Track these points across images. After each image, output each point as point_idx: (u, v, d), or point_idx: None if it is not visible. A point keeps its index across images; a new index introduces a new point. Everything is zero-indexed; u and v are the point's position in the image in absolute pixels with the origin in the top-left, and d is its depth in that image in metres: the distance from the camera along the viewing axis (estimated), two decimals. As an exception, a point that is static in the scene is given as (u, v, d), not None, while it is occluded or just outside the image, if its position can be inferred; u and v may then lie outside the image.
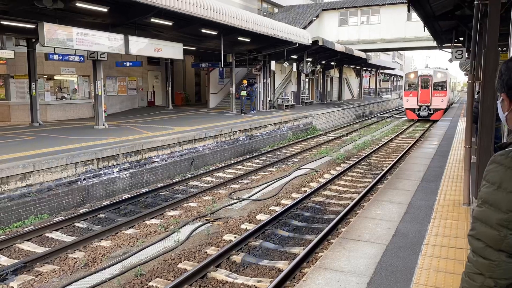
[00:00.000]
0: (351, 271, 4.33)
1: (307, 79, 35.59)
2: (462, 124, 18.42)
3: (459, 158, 10.39)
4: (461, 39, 17.65)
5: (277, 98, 30.46)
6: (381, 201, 6.84)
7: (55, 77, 21.75)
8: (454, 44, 18.10)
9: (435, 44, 22.17)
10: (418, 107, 28.73)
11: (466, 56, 17.03)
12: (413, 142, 18.79)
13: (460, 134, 15.10)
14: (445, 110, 29.18)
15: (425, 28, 15.84)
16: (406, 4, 12.12)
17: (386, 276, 4.21)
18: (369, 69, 49.41)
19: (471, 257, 1.63)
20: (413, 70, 31.48)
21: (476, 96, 8.49)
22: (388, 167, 13.58)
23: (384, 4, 37.48)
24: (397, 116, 35.34)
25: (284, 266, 6.61)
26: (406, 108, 29.66)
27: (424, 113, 28.59)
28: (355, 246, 4.97)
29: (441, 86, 28.22)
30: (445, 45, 21.50)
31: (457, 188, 7.57)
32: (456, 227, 5.60)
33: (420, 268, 4.35)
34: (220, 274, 6.37)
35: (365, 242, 5.11)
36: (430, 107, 28.46)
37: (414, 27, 33.82)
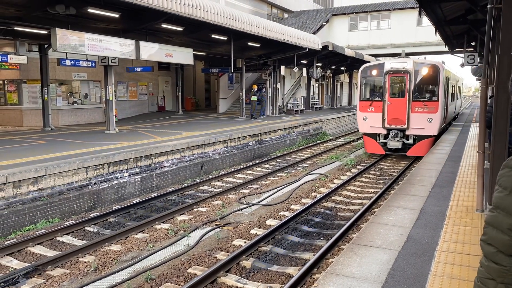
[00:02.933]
0: (363, 277, 4.27)
1: (316, 84, 35.53)
2: (474, 129, 18.22)
3: (472, 164, 10.27)
4: (473, 43, 17.53)
5: (287, 103, 30.42)
6: (392, 207, 6.77)
7: (73, 82, 21.98)
8: (466, 49, 17.96)
9: (446, 49, 22.03)
10: (385, 132, 15.55)
11: (478, 60, 16.88)
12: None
13: (472, 139, 14.95)
14: (437, 137, 15.63)
15: (436, 32, 15.76)
16: (417, 9, 12.07)
17: (399, 283, 4.15)
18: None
19: (483, 262, 1.62)
20: (376, 62, 16.68)
21: (489, 100, 8.40)
22: (399, 173, 13.46)
23: (394, 9, 37.36)
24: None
25: (295, 271, 6.56)
26: (364, 134, 16.26)
27: (395, 143, 15.44)
28: (367, 252, 4.91)
29: (428, 92, 15.36)
30: (456, 49, 21.34)
31: (470, 194, 7.47)
32: (470, 233, 5.51)
33: (434, 275, 4.28)
34: (230, 279, 6.34)
35: (377, 248, 5.05)
36: (406, 132, 15.32)
37: (425, 31, 33.64)
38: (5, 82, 21.57)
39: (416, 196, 7.42)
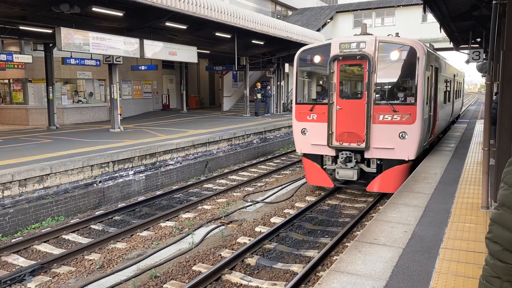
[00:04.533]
0: (367, 274, 4.27)
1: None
2: (479, 126, 18.11)
3: (477, 161, 10.21)
4: (478, 40, 17.39)
5: (291, 100, 30.41)
6: (397, 204, 6.75)
7: (77, 81, 22.07)
8: (471, 45, 17.83)
9: (451, 45, 21.86)
10: (333, 154, 10.15)
11: (484, 57, 16.76)
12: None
13: (477, 136, 14.85)
14: (416, 162, 10.07)
15: (441, 29, 15.65)
16: (422, 5, 12.00)
17: (403, 280, 4.14)
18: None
19: (488, 260, 1.60)
20: (320, 43, 10.93)
21: (494, 97, 8.36)
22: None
23: (399, 6, 37.15)
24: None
25: (299, 269, 6.57)
26: (303, 155, 10.77)
27: (347, 171, 9.93)
28: (371, 250, 4.91)
29: (401, 90, 9.80)
30: (461, 46, 21.19)
31: (475, 191, 7.43)
32: (475, 230, 5.49)
33: (438, 272, 4.27)
34: (235, 277, 6.36)
35: (381, 245, 5.04)
36: (366, 155, 9.83)
37: (430, 28, 33.45)
38: (11, 81, 21.70)
39: (421, 193, 7.39)
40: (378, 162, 9.73)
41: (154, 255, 7.44)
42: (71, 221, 9.35)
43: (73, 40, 13.15)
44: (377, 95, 9.42)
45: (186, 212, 9.91)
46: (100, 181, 10.84)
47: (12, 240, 8.19)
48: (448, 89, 14.80)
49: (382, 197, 10.31)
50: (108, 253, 7.60)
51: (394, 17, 37.87)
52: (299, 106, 10.35)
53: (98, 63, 19.06)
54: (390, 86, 9.80)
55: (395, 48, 9.32)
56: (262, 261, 6.95)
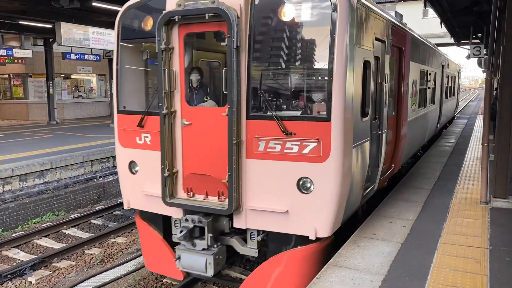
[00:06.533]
0: (366, 269, 4.29)
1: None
2: (479, 121, 18.10)
3: (477, 156, 10.22)
4: (479, 35, 17.36)
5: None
6: (396, 200, 6.77)
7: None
8: (472, 41, 17.80)
9: (452, 40, 21.84)
10: (178, 216, 5.34)
11: (485, 52, 16.74)
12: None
13: (477, 132, 14.85)
14: (340, 240, 5.18)
15: (442, 24, 15.64)
16: (423, 0, 11.98)
17: (401, 274, 4.17)
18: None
19: None
20: None
21: (494, 92, 8.36)
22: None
23: (400, 0, 37.06)
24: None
25: (298, 264, 6.58)
26: (137, 212, 5.96)
27: (194, 258, 5.07)
28: (370, 244, 4.93)
29: (301, 88, 5.26)
30: (462, 41, 21.16)
31: (474, 187, 7.45)
32: (473, 225, 5.51)
33: (436, 267, 4.30)
34: (234, 272, 6.38)
35: (380, 240, 5.06)
36: (236, 222, 5.07)
37: (431, 23, 33.37)
38: (11, 76, 21.70)
39: (420, 189, 7.41)
40: (262, 237, 5.13)
41: (154, 249, 7.45)
42: (71, 216, 9.38)
43: (73, 35, 13.15)
44: (253, 100, 4.92)
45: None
46: (100, 176, 10.87)
47: (13, 235, 8.23)
48: (430, 85, 10.51)
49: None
50: (108, 248, 7.63)
51: (395, 12, 37.80)
52: (124, 117, 5.68)
53: (98, 58, 19.05)
54: (279, 81, 5.25)
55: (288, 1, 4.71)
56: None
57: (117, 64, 5.67)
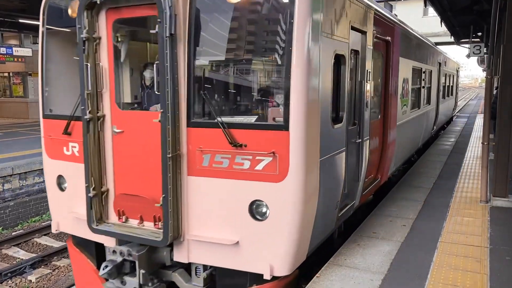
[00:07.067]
0: (366, 268, 4.29)
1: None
2: (479, 120, 18.11)
3: (477, 155, 10.22)
4: (479, 34, 17.35)
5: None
6: (396, 198, 6.77)
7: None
8: (472, 40, 17.80)
9: (452, 39, 21.84)
10: (111, 245, 4.36)
11: (485, 51, 16.73)
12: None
13: (477, 131, 14.85)
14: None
15: (442, 23, 15.63)
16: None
17: (401, 273, 4.17)
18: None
19: None
20: None
21: (495, 91, 8.36)
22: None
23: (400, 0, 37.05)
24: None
25: (298, 262, 6.58)
26: (69, 237, 5.04)
27: None
28: (370, 243, 4.93)
29: (251, 88, 4.42)
30: (462, 40, 21.16)
31: (474, 186, 7.45)
32: (473, 224, 5.51)
33: (436, 266, 4.30)
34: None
35: (380, 239, 5.07)
36: (176, 255, 4.16)
37: (431, 22, 33.36)
38: (11, 74, 21.68)
39: (420, 188, 7.41)
40: (211, 272, 4.27)
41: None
42: (71, 215, 9.38)
43: (73, 33, 13.12)
44: (195, 103, 4.04)
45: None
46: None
47: (13, 233, 8.23)
48: (425, 84, 9.81)
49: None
50: (108, 246, 7.63)
51: (395, 11, 37.77)
52: (50, 123, 5.05)
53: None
54: (228, 79, 4.51)
55: None
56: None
57: (42, 59, 5.06)
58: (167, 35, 3.76)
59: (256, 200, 3.81)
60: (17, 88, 21.68)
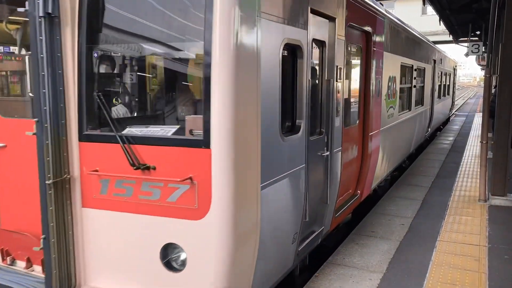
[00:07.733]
0: (364, 267, 4.29)
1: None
2: (478, 119, 18.13)
3: (475, 154, 10.23)
4: (478, 32, 17.36)
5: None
6: (394, 197, 6.77)
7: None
8: (471, 38, 17.80)
9: (451, 38, 21.84)
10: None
11: (483, 50, 16.74)
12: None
13: (476, 130, 14.86)
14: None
15: (441, 21, 15.63)
16: (421, -2, 11.97)
17: (400, 272, 4.16)
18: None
19: None
20: None
21: (493, 90, 8.36)
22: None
23: (398, -2, 37.07)
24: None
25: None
26: None
27: None
28: (368, 242, 4.93)
29: (160, 90, 3.62)
30: (461, 39, 21.17)
31: (472, 185, 7.45)
32: (472, 223, 5.51)
33: (435, 265, 4.29)
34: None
35: (378, 238, 5.06)
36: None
37: (429, 21, 33.35)
38: (8, 73, 21.64)
39: (418, 187, 7.41)
40: None
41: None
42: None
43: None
44: (89, 109, 3.06)
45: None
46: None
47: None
48: (417, 83, 9.11)
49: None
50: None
51: (393, 9, 37.74)
52: None
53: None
54: (133, 77, 3.74)
55: None
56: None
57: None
58: (41, 14, 2.72)
59: (169, 244, 2.83)
60: (14, 87, 21.66)
